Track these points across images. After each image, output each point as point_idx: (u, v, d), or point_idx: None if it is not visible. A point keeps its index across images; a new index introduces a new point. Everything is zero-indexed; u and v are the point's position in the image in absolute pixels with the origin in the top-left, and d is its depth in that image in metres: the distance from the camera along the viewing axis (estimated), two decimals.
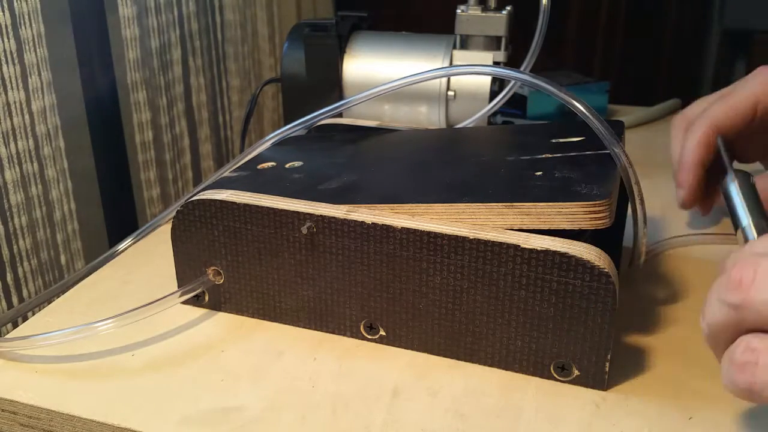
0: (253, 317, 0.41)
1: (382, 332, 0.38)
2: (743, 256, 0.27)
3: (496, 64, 0.58)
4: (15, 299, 0.53)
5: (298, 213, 0.37)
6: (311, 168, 0.44)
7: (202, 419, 0.33)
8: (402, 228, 0.35)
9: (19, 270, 0.54)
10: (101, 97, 0.64)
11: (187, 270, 0.41)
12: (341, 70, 0.60)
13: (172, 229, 0.41)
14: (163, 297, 0.39)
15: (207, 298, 0.42)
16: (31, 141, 0.53)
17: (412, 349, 0.38)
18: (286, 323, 0.40)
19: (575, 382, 0.35)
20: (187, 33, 0.75)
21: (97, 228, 0.65)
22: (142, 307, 0.38)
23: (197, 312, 0.42)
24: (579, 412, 0.33)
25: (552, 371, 0.35)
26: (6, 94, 0.51)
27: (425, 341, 0.37)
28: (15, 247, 0.53)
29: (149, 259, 0.48)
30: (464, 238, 0.34)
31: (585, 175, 0.36)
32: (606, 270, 0.32)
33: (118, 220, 0.67)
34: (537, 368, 0.35)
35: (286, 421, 0.33)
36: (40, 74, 0.54)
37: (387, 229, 0.35)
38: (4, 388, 0.35)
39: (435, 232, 0.35)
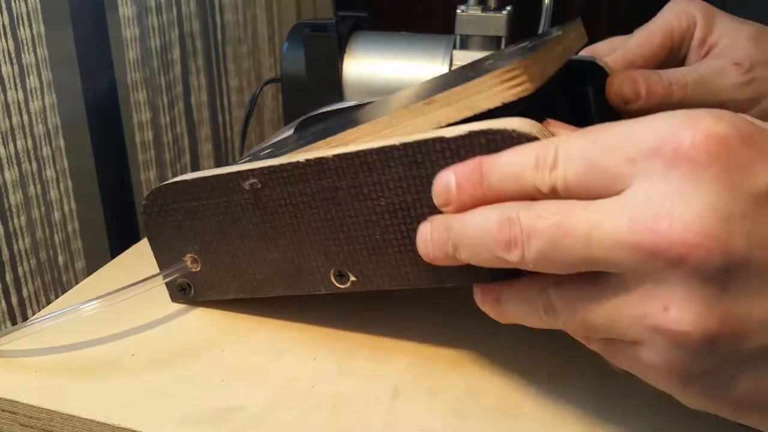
0: (236, 297, 0.41)
1: (353, 277, 0.36)
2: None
3: None
4: (14, 299, 0.53)
5: (240, 173, 0.37)
6: (278, 146, 0.44)
7: (202, 419, 0.33)
8: (334, 156, 0.34)
9: (19, 270, 0.54)
10: (101, 97, 0.64)
11: (168, 262, 0.42)
12: (341, 70, 0.60)
13: (144, 225, 0.41)
14: (146, 279, 0.39)
15: (192, 289, 0.42)
16: (30, 141, 0.53)
17: (386, 288, 0.36)
18: (265, 295, 0.40)
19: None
20: (187, 33, 0.75)
21: (97, 228, 0.65)
22: (125, 288, 0.38)
23: (197, 312, 0.42)
24: (579, 413, 0.33)
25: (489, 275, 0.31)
26: (6, 93, 0.51)
27: (394, 275, 0.35)
28: (15, 246, 0.53)
29: (150, 259, 0.48)
30: (391, 147, 0.32)
31: (510, 56, 0.34)
32: (528, 131, 0.28)
33: (118, 220, 0.67)
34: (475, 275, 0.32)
35: (286, 421, 0.33)
36: (39, 74, 0.54)
37: (321, 162, 0.34)
38: (4, 388, 0.35)
39: (363, 150, 0.33)
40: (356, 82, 0.60)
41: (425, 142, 0.31)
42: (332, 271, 0.37)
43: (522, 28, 0.63)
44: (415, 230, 0.33)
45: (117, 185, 0.67)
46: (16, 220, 0.53)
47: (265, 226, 0.38)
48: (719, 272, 0.21)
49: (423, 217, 0.32)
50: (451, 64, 0.58)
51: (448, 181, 0.28)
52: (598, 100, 0.42)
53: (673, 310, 0.22)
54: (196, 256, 0.41)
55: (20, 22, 0.51)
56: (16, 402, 0.35)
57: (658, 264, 0.22)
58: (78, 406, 0.34)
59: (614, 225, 0.22)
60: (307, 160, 0.35)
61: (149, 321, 0.41)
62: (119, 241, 0.47)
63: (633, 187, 0.22)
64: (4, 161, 0.51)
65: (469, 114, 0.31)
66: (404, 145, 0.32)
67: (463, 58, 0.58)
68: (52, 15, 0.56)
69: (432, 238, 0.30)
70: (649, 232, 0.21)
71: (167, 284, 0.43)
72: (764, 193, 0.21)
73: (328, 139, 0.36)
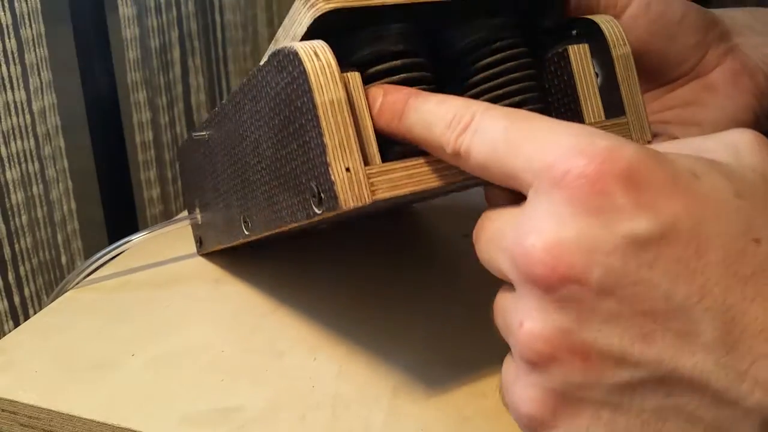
0: (218, 247, 0.44)
1: (249, 223, 0.36)
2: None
3: None
4: (16, 298, 0.54)
5: (197, 127, 0.40)
6: None
7: (202, 419, 0.33)
8: (226, 99, 0.35)
9: (21, 269, 0.54)
10: (101, 97, 0.64)
11: (189, 210, 0.47)
12: None
13: (180, 177, 0.47)
14: (171, 221, 0.47)
15: (201, 242, 0.47)
16: (31, 141, 0.53)
17: (265, 232, 0.34)
18: (225, 245, 0.42)
19: (324, 207, 0.28)
20: (187, 33, 0.75)
21: (97, 228, 0.65)
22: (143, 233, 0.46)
23: (197, 312, 0.42)
24: None
25: (312, 204, 0.28)
26: (6, 93, 0.51)
27: (264, 217, 0.34)
28: (16, 246, 0.53)
29: (150, 259, 0.49)
30: (240, 86, 0.32)
31: None
32: (293, 48, 0.27)
33: (118, 219, 0.67)
34: (303, 205, 0.29)
35: (286, 421, 0.33)
36: (40, 74, 0.54)
37: (223, 106, 0.35)
38: (4, 388, 0.35)
39: (234, 91, 0.33)
40: None
41: (251, 76, 0.31)
42: (241, 217, 0.37)
43: None
44: (265, 167, 0.32)
45: (117, 185, 0.67)
46: (17, 220, 0.53)
47: (213, 175, 0.40)
48: (571, 300, 0.21)
49: (266, 152, 0.31)
50: None
51: (374, 97, 0.28)
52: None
53: (525, 327, 0.22)
54: (198, 207, 0.45)
55: (20, 22, 0.51)
56: (16, 402, 0.35)
57: (522, 278, 0.22)
58: (78, 406, 0.34)
59: (505, 232, 0.23)
60: (219, 106, 0.36)
61: (149, 321, 0.41)
62: (119, 240, 0.47)
63: (528, 198, 0.23)
64: (5, 161, 0.51)
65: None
66: (242, 85, 0.32)
67: None
68: (52, 15, 0.56)
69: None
70: (520, 244, 0.22)
71: (193, 235, 0.49)
72: (644, 239, 0.20)
73: None
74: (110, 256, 0.46)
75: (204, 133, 0.39)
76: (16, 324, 0.43)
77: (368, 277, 0.46)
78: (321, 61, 0.27)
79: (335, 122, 0.26)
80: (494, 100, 0.32)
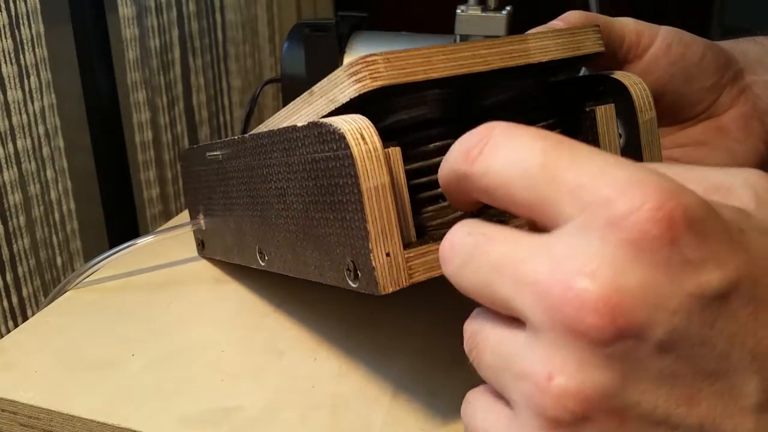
0: (222, 258, 0.45)
1: (266, 256, 0.37)
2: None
3: None
4: (15, 298, 0.53)
5: (207, 146, 0.41)
6: None
7: (202, 419, 0.33)
8: (249, 136, 0.35)
9: (19, 269, 0.54)
10: (101, 97, 0.64)
11: (192, 216, 0.48)
12: None
13: (182, 180, 0.47)
14: (175, 226, 0.48)
15: (203, 244, 0.48)
16: (30, 141, 0.53)
17: (285, 273, 0.35)
18: (232, 261, 0.43)
19: (361, 286, 0.28)
20: (187, 33, 0.75)
21: (96, 228, 0.65)
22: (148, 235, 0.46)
23: (197, 312, 0.42)
24: None
25: (345, 276, 0.29)
26: (6, 93, 0.51)
27: (286, 260, 0.34)
28: (15, 246, 0.53)
29: (150, 259, 0.49)
30: (270, 132, 0.32)
31: None
32: (340, 129, 0.26)
33: (118, 219, 0.67)
34: (336, 272, 0.30)
35: (286, 421, 0.33)
36: (39, 74, 0.54)
37: (243, 141, 0.35)
38: (4, 388, 0.35)
39: (261, 132, 0.33)
40: None
41: (285, 130, 0.31)
42: (257, 247, 0.38)
43: (522, 28, 0.63)
44: (291, 217, 0.32)
45: (117, 185, 0.67)
46: (15, 220, 0.53)
47: (226, 196, 0.40)
48: (622, 357, 0.19)
49: (294, 205, 0.32)
50: None
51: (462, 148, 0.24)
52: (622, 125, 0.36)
53: (557, 381, 0.19)
54: (203, 214, 0.46)
55: (20, 21, 0.51)
56: (16, 402, 0.35)
57: (560, 324, 0.19)
58: (78, 406, 0.34)
59: (533, 264, 0.20)
60: (238, 138, 0.36)
61: (149, 321, 0.41)
62: (119, 241, 0.47)
63: (564, 229, 0.20)
64: (4, 161, 0.51)
65: (333, 107, 0.30)
66: (271, 133, 0.32)
67: None
68: (52, 15, 0.56)
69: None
70: (563, 284, 0.19)
71: (194, 237, 0.49)
72: (710, 295, 0.19)
73: (267, 121, 0.37)
74: (112, 259, 0.46)
75: (218, 153, 0.39)
76: (16, 324, 0.43)
77: None
78: (368, 145, 0.26)
79: (379, 208, 0.26)
80: None
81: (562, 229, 0.20)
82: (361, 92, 0.28)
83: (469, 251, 0.22)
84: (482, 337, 0.23)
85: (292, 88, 0.62)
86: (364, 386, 0.35)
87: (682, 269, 0.19)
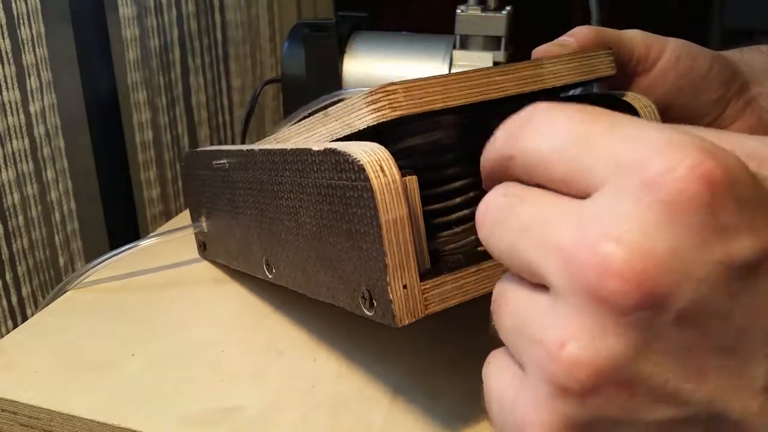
0: (224, 263, 0.45)
1: (274, 269, 0.37)
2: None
3: (495, 64, 0.58)
4: (14, 298, 0.53)
5: (213, 152, 0.41)
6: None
7: (202, 419, 0.33)
8: (259, 150, 0.35)
9: (18, 269, 0.54)
10: (101, 97, 0.64)
11: (193, 218, 0.48)
12: (341, 70, 0.60)
13: (182, 181, 0.47)
14: (176, 229, 0.48)
15: (205, 246, 0.48)
16: (30, 141, 0.53)
17: (295, 288, 0.35)
18: (237, 268, 0.43)
19: (377, 316, 0.28)
20: (187, 33, 0.75)
21: (97, 228, 0.65)
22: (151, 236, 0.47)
23: (197, 312, 0.42)
24: None
25: (360, 304, 0.29)
26: (5, 93, 0.51)
27: (296, 277, 0.34)
28: (14, 246, 0.53)
29: (150, 259, 0.49)
30: (283, 151, 0.32)
31: None
32: (358, 158, 0.26)
33: (118, 220, 0.67)
34: (350, 298, 0.30)
35: (286, 421, 0.33)
36: (39, 74, 0.54)
37: (253, 154, 0.35)
38: (4, 388, 0.35)
39: (273, 149, 0.33)
40: (356, 83, 0.60)
41: (299, 151, 0.31)
42: (264, 258, 0.38)
43: (522, 27, 0.63)
44: (303, 236, 0.32)
45: (117, 185, 0.67)
46: (15, 220, 0.53)
47: (232, 204, 0.40)
48: (640, 325, 0.18)
49: (307, 225, 0.32)
50: (451, 64, 0.58)
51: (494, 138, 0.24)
52: None
53: (568, 349, 0.18)
54: (204, 216, 0.46)
55: (20, 21, 0.51)
56: (16, 402, 0.35)
57: (582, 290, 0.18)
58: (78, 406, 0.34)
59: (561, 228, 0.19)
60: (247, 150, 0.36)
61: (149, 321, 0.41)
62: (119, 241, 0.47)
63: (598, 193, 0.19)
64: (3, 161, 0.51)
65: (349, 131, 0.30)
66: (283, 152, 0.32)
67: (463, 58, 0.58)
68: (52, 15, 0.56)
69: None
70: (589, 249, 0.18)
71: (195, 238, 0.49)
72: (740, 265, 0.18)
73: (277, 134, 0.37)
74: (114, 261, 0.46)
75: (224, 161, 0.39)
76: (15, 324, 0.43)
77: None
78: (387, 177, 0.26)
79: (397, 241, 0.26)
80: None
81: (595, 193, 0.19)
82: (380, 122, 0.28)
83: (500, 213, 0.21)
84: (504, 300, 0.22)
85: (292, 88, 0.62)
86: (364, 387, 0.35)
87: (714, 234, 0.18)
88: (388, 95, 0.28)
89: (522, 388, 0.21)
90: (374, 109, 0.28)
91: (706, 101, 0.39)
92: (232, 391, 0.35)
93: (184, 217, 0.54)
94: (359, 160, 0.26)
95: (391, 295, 0.26)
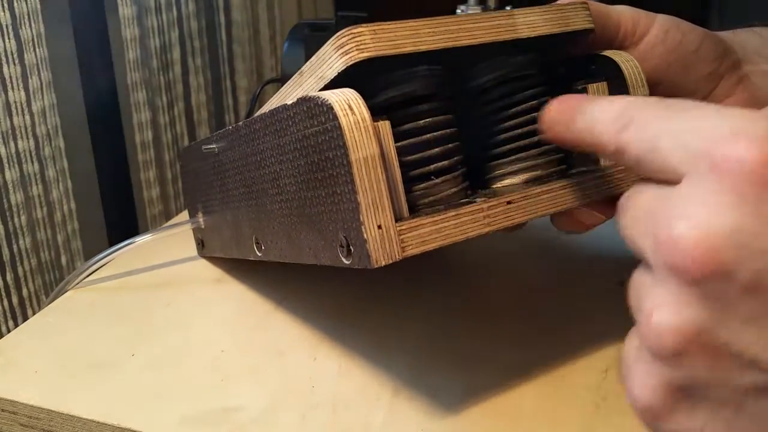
0: (221, 255, 0.45)
1: (263, 246, 0.37)
2: None
3: None
4: (15, 298, 0.53)
5: (203, 140, 0.41)
6: None
7: (202, 419, 0.33)
8: (242, 123, 0.35)
9: (19, 269, 0.54)
10: (101, 97, 0.64)
11: (191, 214, 0.48)
12: None
13: (181, 179, 0.47)
14: (174, 224, 0.48)
15: (203, 244, 0.48)
16: (31, 141, 0.53)
17: (281, 260, 0.35)
18: (230, 255, 0.43)
19: (354, 262, 0.28)
20: (187, 33, 0.75)
21: (97, 228, 0.65)
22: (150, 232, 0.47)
23: (197, 312, 0.42)
24: (579, 413, 0.33)
25: (339, 253, 0.29)
26: (6, 94, 0.51)
27: (282, 247, 0.34)
28: (15, 246, 0.53)
29: (149, 259, 0.49)
30: (262, 116, 0.32)
31: None
32: (327, 101, 0.26)
33: (117, 219, 0.67)
34: (329, 250, 0.30)
35: (286, 421, 0.33)
36: (40, 74, 0.54)
37: (237, 129, 0.35)
38: (4, 388, 0.35)
39: (254, 118, 0.33)
40: None
41: (276, 110, 0.31)
42: (253, 237, 0.37)
43: None
44: (285, 200, 0.32)
45: (117, 185, 0.67)
46: (16, 220, 0.53)
47: (223, 189, 0.40)
48: (714, 296, 0.20)
49: (287, 188, 0.31)
50: None
51: (547, 110, 0.28)
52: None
53: (655, 317, 0.21)
54: (201, 212, 0.46)
55: (20, 22, 0.51)
56: (16, 402, 0.35)
57: (662, 265, 0.21)
58: (78, 406, 0.34)
59: (655, 212, 0.22)
60: (232, 126, 0.36)
61: (149, 321, 0.41)
62: (119, 241, 0.47)
63: (683, 181, 0.21)
64: (5, 161, 0.51)
65: (322, 84, 0.30)
66: (262, 116, 0.32)
67: None
68: (52, 15, 0.56)
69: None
70: (665, 229, 0.21)
71: (194, 236, 0.49)
72: None
73: (261, 108, 0.37)
74: (112, 258, 0.46)
75: (214, 146, 0.39)
76: (16, 324, 0.43)
77: (368, 277, 0.46)
78: (356, 115, 0.26)
79: (369, 179, 0.26)
80: (516, 138, 0.33)
81: (680, 185, 0.22)
82: (349, 64, 0.28)
83: (624, 203, 0.25)
84: (633, 277, 0.24)
85: None
86: (364, 386, 0.35)
87: None
88: (355, 37, 0.28)
89: (637, 354, 0.23)
90: (342, 52, 0.28)
91: (697, 77, 0.39)
92: (232, 391, 0.35)
93: (184, 216, 0.54)
94: (327, 101, 0.26)
95: (365, 235, 0.26)
